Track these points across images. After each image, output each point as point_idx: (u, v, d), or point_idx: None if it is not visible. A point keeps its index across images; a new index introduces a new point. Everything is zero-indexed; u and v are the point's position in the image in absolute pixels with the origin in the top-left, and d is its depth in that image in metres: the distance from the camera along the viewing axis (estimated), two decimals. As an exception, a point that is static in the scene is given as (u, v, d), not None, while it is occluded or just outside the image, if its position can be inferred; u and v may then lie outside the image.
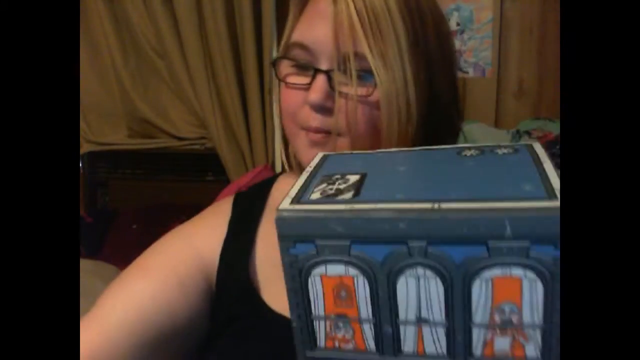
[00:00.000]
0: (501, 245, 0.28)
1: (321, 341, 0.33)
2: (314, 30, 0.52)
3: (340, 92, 0.51)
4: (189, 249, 0.57)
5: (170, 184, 2.09)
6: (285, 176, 0.65)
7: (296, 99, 0.54)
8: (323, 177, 0.36)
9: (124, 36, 2.01)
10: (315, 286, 0.32)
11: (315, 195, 0.33)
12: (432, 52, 0.54)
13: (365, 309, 0.32)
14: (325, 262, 0.31)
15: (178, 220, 0.63)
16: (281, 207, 0.32)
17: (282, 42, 0.57)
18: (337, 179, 0.35)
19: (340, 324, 0.33)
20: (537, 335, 0.30)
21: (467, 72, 1.85)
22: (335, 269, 0.31)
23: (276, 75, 0.57)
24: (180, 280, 0.53)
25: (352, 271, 0.31)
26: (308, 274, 0.32)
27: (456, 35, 1.83)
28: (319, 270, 0.31)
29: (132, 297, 0.51)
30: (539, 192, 0.29)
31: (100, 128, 2.11)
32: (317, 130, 0.52)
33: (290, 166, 0.63)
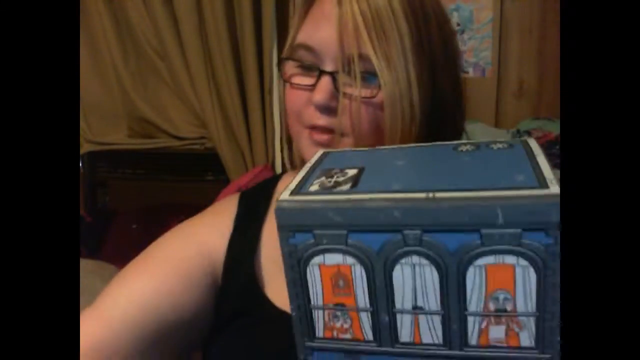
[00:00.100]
0: (493, 232, 0.29)
1: (320, 331, 0.34)
2: (319, 32, 0.53)
3: (344, 93, 0.52)
4: (194, 244, 0.57)
5: (170, 184, 2.09)
6: (289, 174, 0.66)
7: (301, 99, 0.55)
8: (322, 171, 0.36)
9: (124, 36, 2.01)
10: (314, 275, 0.33)
11: (314, 188, 0.33)
12: (436, 53, 0.54)
13: (363, 298, 0.32)
14: (324, 251, 0.32)
15: (178, 220, 0.63)
16: (281, 198, 0.32)
17: (287, 43, 0.58)
18: (336, 173, 0.35)
19: (339, 314, 0.33)
20: (531, 324, 0.30)
21: (467, 72, 1.85)
22: (334, 258, 0.32)
23: (281, 75, 0.58)
24: (185, 274, 0.54)
25: (350, 260, 0.31)
26: (307, 263, 0.32)
27: (456, 36, 1.83)
28: (317, 259, 0.32)
29: (135, 290, 0.52)
30: (531, 181, 0.30)
31: (100, 128, 2.11)
32: (322, 129, 0.53)
33: (293, 165, 0.64)
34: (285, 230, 0.32)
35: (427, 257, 0.30)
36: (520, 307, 0.30)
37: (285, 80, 0.57)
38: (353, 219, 0.31)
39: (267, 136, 1.90)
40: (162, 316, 0.51)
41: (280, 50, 1.84)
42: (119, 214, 2.05)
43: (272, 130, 1.89)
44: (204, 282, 0.56)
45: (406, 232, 0.30)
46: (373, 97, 0.51)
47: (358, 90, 0.51)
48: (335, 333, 0.34)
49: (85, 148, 2.10)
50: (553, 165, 0.32)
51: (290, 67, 0.57)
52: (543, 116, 1.76)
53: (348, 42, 0.51)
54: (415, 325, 0.32)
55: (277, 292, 0.55)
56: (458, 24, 1.85)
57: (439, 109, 0.55)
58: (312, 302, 0.33)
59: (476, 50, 1.85)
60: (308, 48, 0.54)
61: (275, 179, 0.67)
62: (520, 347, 0.31)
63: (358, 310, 0.33)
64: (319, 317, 0.34)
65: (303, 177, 0.36)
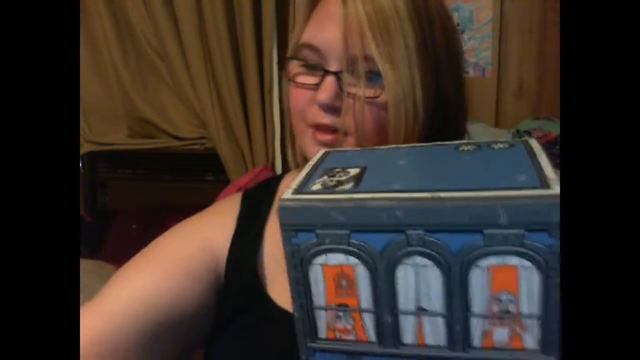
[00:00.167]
0: (496, 233, 0.28)
1: (322, 332, 0.34)
2: (324, 32, 0.53)
3: (348, 93, 0.52)
4: (197, 241, 0.57)
5: (170, 184, 2.09)
6: (292, 174, 0.66)
7: (305, 98, 0.55)
8: (324, 170, 0.36)
9: (124, 36, 2.01)
10: (317, 275, 0.32)
11: (317, 187, 0.33)
12: (440, 53, 0.54)
13: (366, 299, 0.32)
14: (326, 251, 0.32)
15: (177, 221, 0.63)
16: (283, 197, 0.32)
17: (292, 43, 0.59)
18: (338, 172, 0.35)
19: (341, 314, 0.33)
20: (535, 326, 0.30)
21: (467, 72, 1.85)
22: (336, 258, 0.32)
23: (285, 74, 0.58)
24: (186, 270, 0.54)
25: (353, 260, 0.31)
26: (309, 263, 0.32)
27: (459, 34, 1.83)
28: (320, 259, 0.32)
29: (137, 285, 0.52)
30: (533, 181, 0.30)
31: (100, 128, 2.11)
32: (326, 128, 0.53)
33: (296, 164, 0.64)
34: (288, 229, 0.32)
35: (430, 257, 0.30)
36: (524, 308, 0.30)
37: (289, 79, 0.58)
38: (356, 218, 0.31)
39: (267, 136, 1.89)
40: (163, 311, 0.51)
41: (280, 50, 1.84)
42: (119, 214, 2.05)
43: (272, 130, 1.89)
44: (206, 279, 0.56)
45: (409, 232, 0.30)
46: (377, 97, 0.52)
47: (362, 91, 0.51)
48: (338, 334, 0.34)
49: (85, 148, 2.10)
50: (553, 165, 0.32)
51: (294, 67, 0.57)
52: (543, 116, 1.76)
53: (352, 43, 0.51)
54: (419, 326, 0.32)
55: (280, 291, 0.55)
56: (458, 24, 1.85)
57: (442, 109, 0.55)
58: (314, 303, 0.33)
59: (476, 50, 1.85)
60: (313, 48, 0.54)
61: (277, 178, 0.68)
62: (523, 350, 0.30)
63: (361, 311, 0.32)
64: (321, 317, 0.33)
65: (305, 177, 0.36)
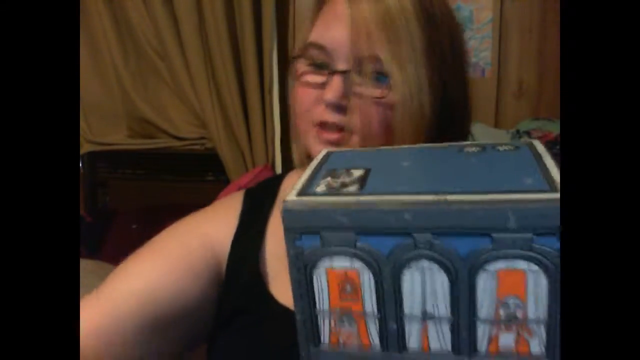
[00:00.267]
0: (505, 237, 0.28)
1: (325, 337, 0.33)
2: (331, 32, 0.54)
3: (355, 92, 0.52)
4: (198, 237, 0.58)
5: (170, 184, 2.09)
6: (294, 173, 0.66)
7: (311, 97, 0.55)
8: (328, 171, 0.36)
9: (124, 36, 2.01)
10: (321, 279, 0.32)
11: (321, 188, 0.33)
12: (446, 54, 0.55)
13: (370, 304, 0.32)
14: (331, 254, 0.31)
15: (177, 221, 0.63)
16: (287, 198, 0.32)
17: (299, 42, 0.59)
18: (342, 174, 0.35)
19: (345, 319, 0.32)
20: (542, 331, 0.30)
21: (467, 72, 1.85)
22: (341, 262, 0.31)
23: (291, 73, 0.59)
24: (187, 265, 0.54)
25: (358, 264, 0.31)
26: (314, 266, 0.32)
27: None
28: (324, 263, 0.31)
29: (137, 279, 0.52)
30: (541, 185, 0.29)
31: (100, 128, 2.11)
32: (332, 127, 0.53)
33: (300, 163, 0.64)
34: (292, 232, 0.32)
35: (437, 261, 0.29)
36: (531, 313, 0.29)
37: (295, 78, 0.58)
38: (362, 221, 0.30)
39: (267, 136, 1.89)
40: (163, 306, 0.51)
41: (280, 50, 1.84)
42: (119, 214, 2.04)
43: (272, 130, 1.89)
44: (207, 274, 0.56)
45: (417, 235, 0.29)
46: (383, 97, 0.52)
47: (369, 91, 0.52)
48: (341, 339, 0.33)
49: (85, 148, 2.10)
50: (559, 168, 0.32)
51: (301, 66, 0.57)
52: (543, 116, 1.76)
53: (360, 43, 0.51)
54: (424, 331, 0.31)
55: (281, 289, 0.55)
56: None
57: (448, 109, 0.55)
58: (317, 307, 0.33)
59: (476, 50, 1.85)
60: (320, 47, 0.54)
61: (279, 177, 0.68)
62: (530, 355, 0.30)
63: (365, 316, 0.32)
64: (324, 322, 0.33)
65: (308, 177, 0.35)
